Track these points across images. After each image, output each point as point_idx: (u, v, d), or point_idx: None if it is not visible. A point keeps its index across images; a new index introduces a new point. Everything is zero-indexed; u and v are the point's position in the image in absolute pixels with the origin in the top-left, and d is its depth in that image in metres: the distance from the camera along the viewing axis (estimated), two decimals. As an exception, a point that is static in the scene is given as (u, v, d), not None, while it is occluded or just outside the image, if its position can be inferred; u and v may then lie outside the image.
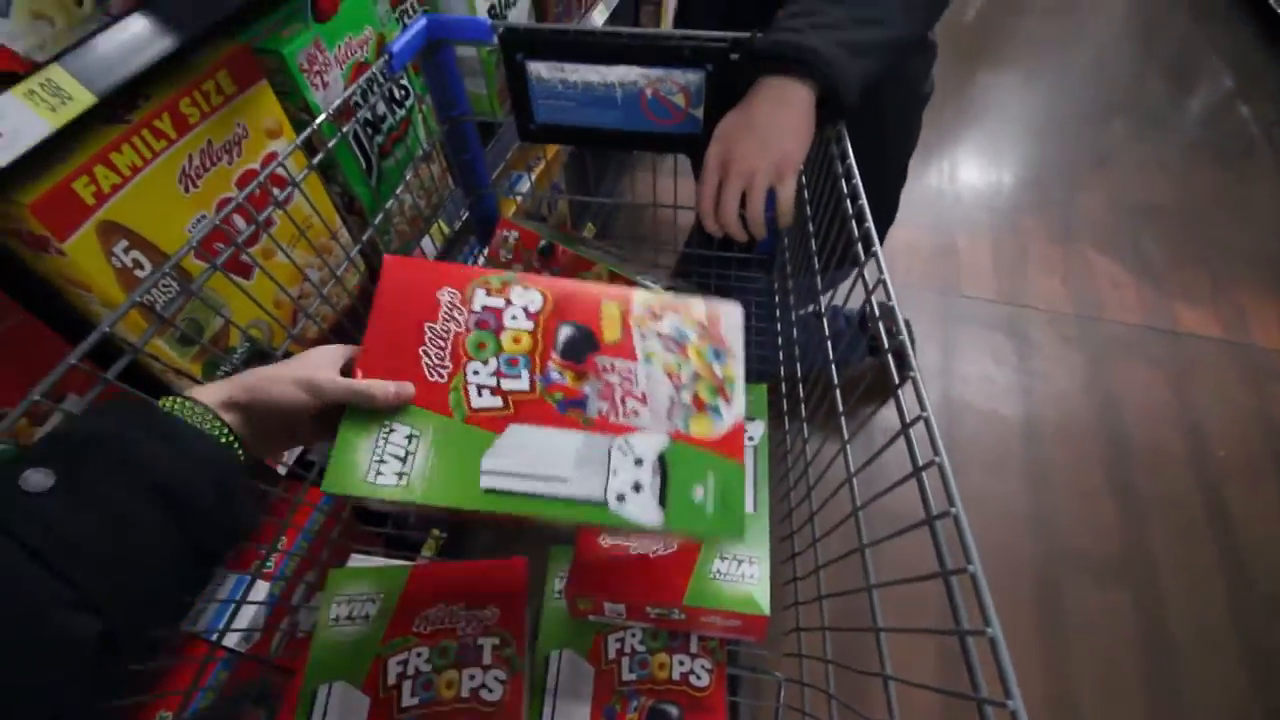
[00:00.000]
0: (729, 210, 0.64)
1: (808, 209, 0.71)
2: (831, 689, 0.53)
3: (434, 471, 0.43)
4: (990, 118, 2.28)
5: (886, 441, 0.45)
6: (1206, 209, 1.93)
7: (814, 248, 0.66)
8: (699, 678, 0.60)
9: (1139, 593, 1.21)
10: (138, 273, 0.58)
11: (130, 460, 0.36)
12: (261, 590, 0.77)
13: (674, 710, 0.58)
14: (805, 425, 0.66)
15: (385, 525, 0.90)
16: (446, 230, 0.99)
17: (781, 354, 0.86)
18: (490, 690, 0.55)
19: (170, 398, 0.41)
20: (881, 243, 0.50)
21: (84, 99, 0.50)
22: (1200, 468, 1.38)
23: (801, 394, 0.67)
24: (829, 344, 0.57)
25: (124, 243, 0.56)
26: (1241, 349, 1.59)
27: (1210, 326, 1.63)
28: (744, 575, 0.56)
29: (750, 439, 0.62)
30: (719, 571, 0.56)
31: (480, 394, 0.45)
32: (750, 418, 0.59)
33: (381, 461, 0.43)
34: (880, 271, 0.45)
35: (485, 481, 0.43)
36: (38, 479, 0.32)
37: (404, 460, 0.43)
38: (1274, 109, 2.29)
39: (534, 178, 1.20)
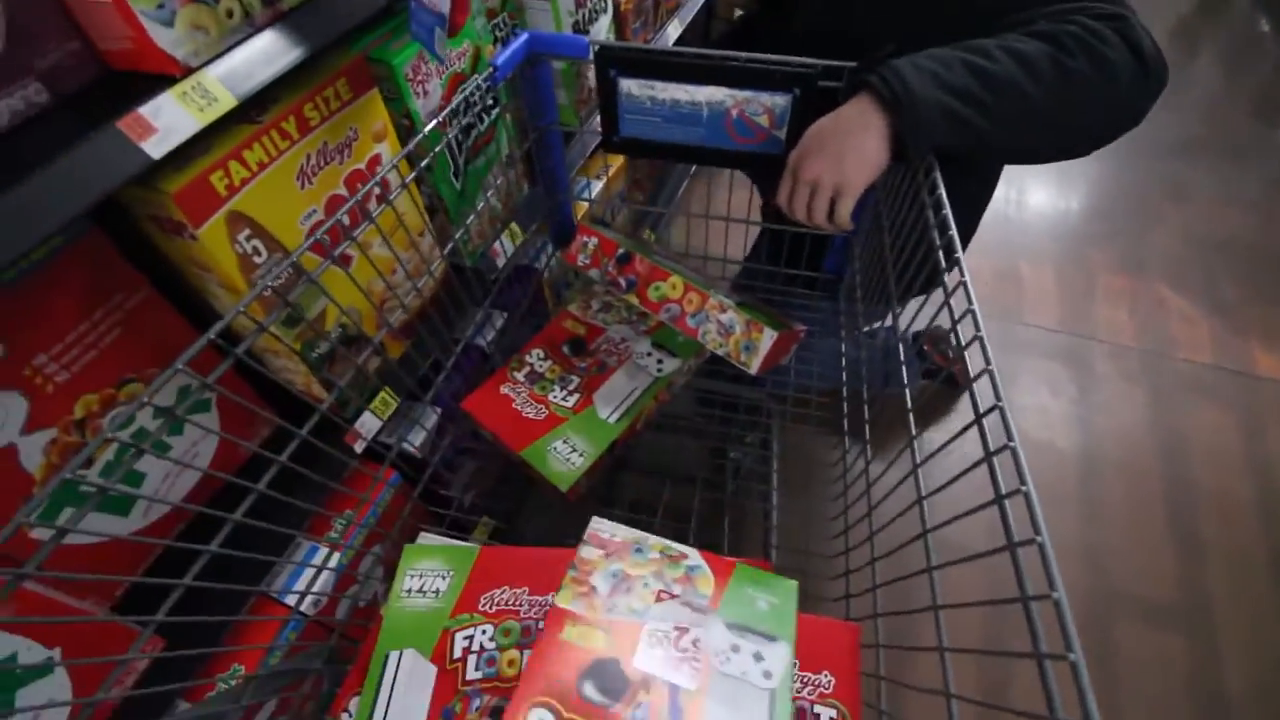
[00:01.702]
0: (796, 210, 0.71)
1: (886, 236, 0.72)
2: (883, 705, 0.54)
3: None
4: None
5: (966, 468, 0.46)
6: (1288, 248, 1.85)
7: (891, 272, 0.67)
8: None
9: (1193, 640, 1.18)
10: (256, 259, 0.63)
11: None
12: (331, 560, 0.82)
13: None
14: (868, 447, 0.68)
15: (450, 508, 0.94)
16: (521, 231, 1.03)
17: (846, 374, 0.88)
18: None
19: None
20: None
21: (227, 101, 0.55)
22: (1267, 516, 1.32)
23: (867, 415, 0.68)
24: (903, 369, 0.58)
25: (247, 231, 0.62)
26: (1320, 396, 1.52)
27: (1286, 371, 1.57)
28: (568, 460, 0.77)
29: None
30: (554, 448, 0.78)
31: None
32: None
33: None
34: (970, 302, 0.46)
35: None
36: None
37: None
38: (1369, 147, 2.18)
39: (602, 185, 1.24)
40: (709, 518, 0.93)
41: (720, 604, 0.54)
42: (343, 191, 0.70)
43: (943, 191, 0.58)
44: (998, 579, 0.42)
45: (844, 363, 0.89)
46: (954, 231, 0.53)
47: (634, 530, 0.58)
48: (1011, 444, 0.40)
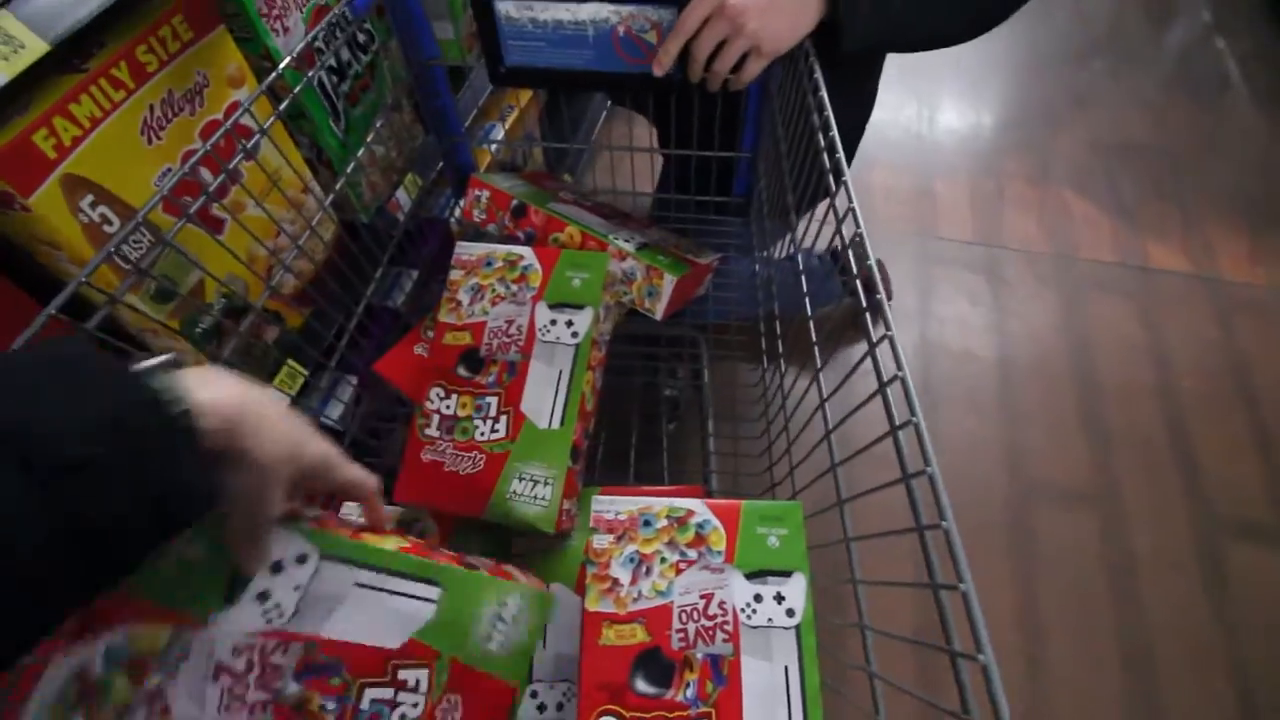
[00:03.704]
0: (702, 46, 0.66)
1: (782, 145, 0.71)
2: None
3: None
4: (970, 59, 2.25)
5: (867, 397, 0.47)
6: (1181, 146, 1.95)
7: (788, 182, 0.66)
8: None
9: (1105, 519, 1.27)
10: (106, 228, 0.57)
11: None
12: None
13: None
14: (782, 361, 0.68)
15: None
16: (420, 181, 0.97)
17: (761, 297, 0.88)
18: None
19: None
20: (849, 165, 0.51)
21: (37, 47, 0.49)
22: (1167, 399, 1.43)
23: (780, 340, 0.69)
24: (804, 281, 0.58)
25: (90, 197, 0.56)
26: (1209, 283, 1.63)
27: (1180, 262, 1.67)
28: (536, 496, 0.65)
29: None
30: (515, 492, 0.65)
31: None
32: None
33: None
34: (849, 200, 0.46)
35: None
36: None
37: None
38: (1250, 42, 2.28)
39: (507, 126, 1.18)
40: (645, 453, 0.93)
41: (735, 555, 0.55)
42: (199, 146, 0.63)
43: (824, 92, 0.57)
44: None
45: (758, 286, 0.88)
46: (835, 131, 0.52)
47: (634, 499, 0.58)
48: (900, 374, 0.40)
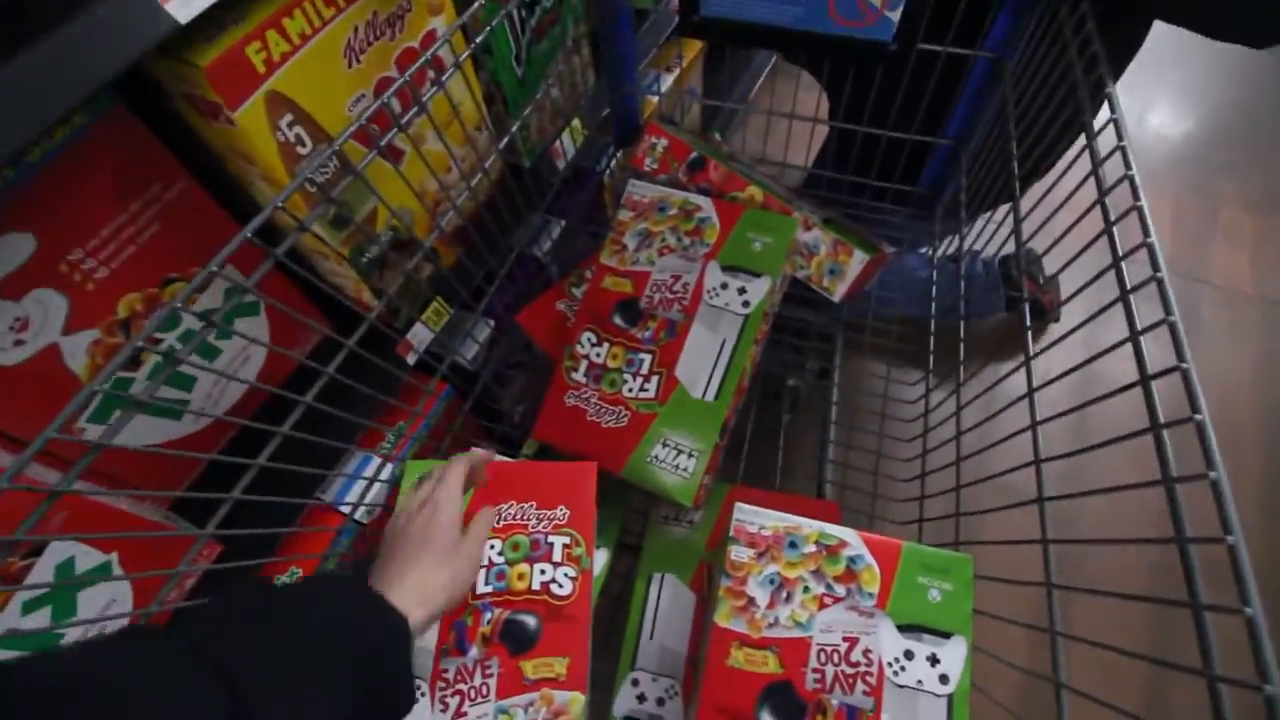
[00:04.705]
0: None
1: (1010, 125, 0.61)
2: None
3: None
4: (1197, 50, 1.92)
5: (1131, 432, 0.40)
6: None
7: (1013, 153, 0.57)
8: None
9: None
10: (299, 149, 0.57)
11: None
12: (384, 471, 0.81)
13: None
14: (961, 369, 0.62)
15: (499, 422, 0.92)
16: (585, 129, 0.93)
17: (936, 301, 0.79)
18: (560, 585, 0.57)
19: (372, 595, 0.44)
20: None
21: (258, -46, 0.47)
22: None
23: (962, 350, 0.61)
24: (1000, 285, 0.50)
25: (289, 117, 0.55)
26: None
27: None
28: (678, 466, 0.61)
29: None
30: (656, 457, 0.62)
31: None
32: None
33: None
34: (1120, 138, 0.37)
35: None
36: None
37: None
38: None
39: (674, 78, 1.11)
40: (757, 441, 0.88)
41: (889, 602, 0.51)
42: (394, 74, 0.61)
43: (1093, 25, 0.47)
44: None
45: (934, 288, 0.80)
46: (1097, 46, 0.42)
47: (783, 516, 0.54)
48: (1199, 417, 0.33)
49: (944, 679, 0.48)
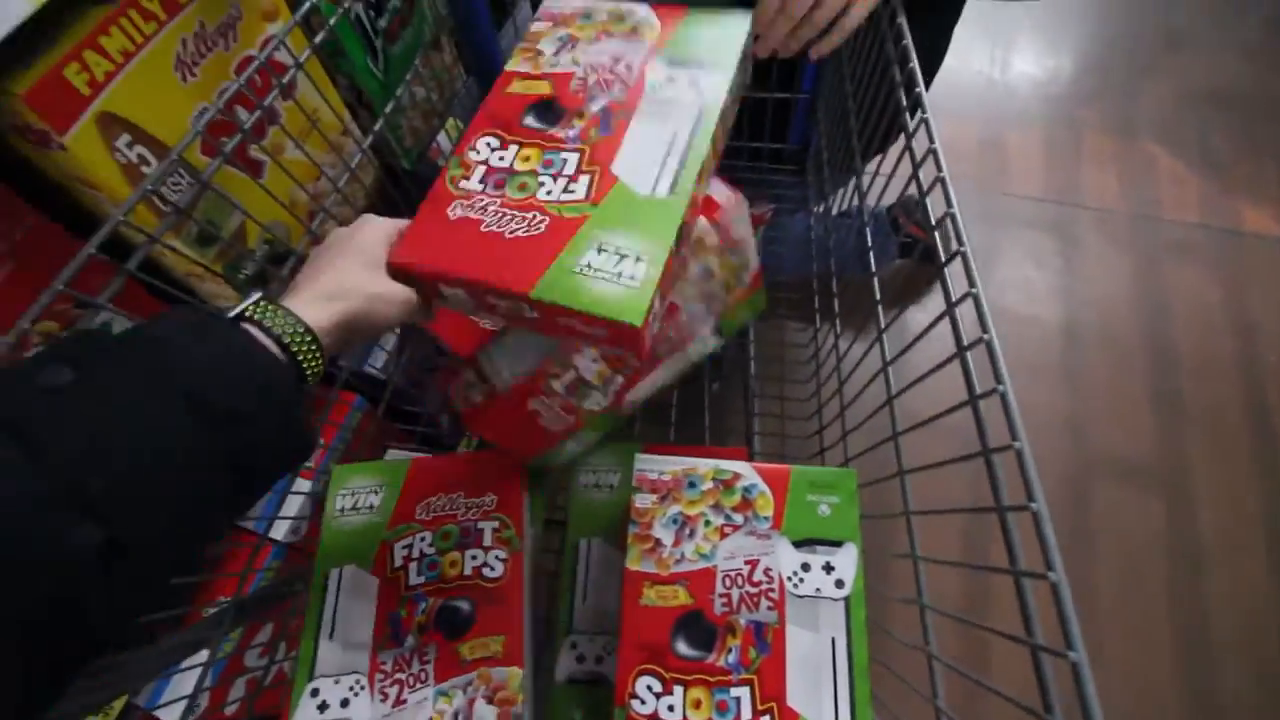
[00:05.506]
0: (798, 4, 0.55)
1: (848, 85, 0.65)
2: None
3: None
4: (1049, -3, 2.06)
5: (930, 322, 0.43)
6: (1283, 96, 1.76)
7: (854, 125, 0.61)
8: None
9: (1170, 498, 1.20)
10: (145, 169, 0.56)
11: (162, 362, 0.32)
12: (305, 485, 0.80)
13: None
14: (837, 321, 0.64)
15: (418, 424, 0.92)
16: (462, 127, 0.94)
17: (815, 255, 0.83)
18: (492, 568, 0.59)
19: (263, 303, 0.38)
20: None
21: (63, -26, 0.47)
22: (1246, 373, 1.32)
23: (836, 301, 0.64)
24: (868, 235, 0.53)
25: (126, 137, 0.54)
26: (1309, 248, 1.49)
27: (1275, 225, 1.52)
28: (621, 274, 0.43)
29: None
30: (588, 265, 0.44)
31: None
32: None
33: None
34: (930, 140, 0.41)
35: None
36: (54, 374, 0.30)
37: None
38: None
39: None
40: (687, 411, 0.91)
41: (783, 522, 0.53)
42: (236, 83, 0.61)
43: (903, 19, 0.51)
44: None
45: (813, 243, 0.83)
46: (914, 63, 0.46)
47: (680, 459, 0.57)
48: (987, 337, 0.36)
49: (839, 584, 0.51)
